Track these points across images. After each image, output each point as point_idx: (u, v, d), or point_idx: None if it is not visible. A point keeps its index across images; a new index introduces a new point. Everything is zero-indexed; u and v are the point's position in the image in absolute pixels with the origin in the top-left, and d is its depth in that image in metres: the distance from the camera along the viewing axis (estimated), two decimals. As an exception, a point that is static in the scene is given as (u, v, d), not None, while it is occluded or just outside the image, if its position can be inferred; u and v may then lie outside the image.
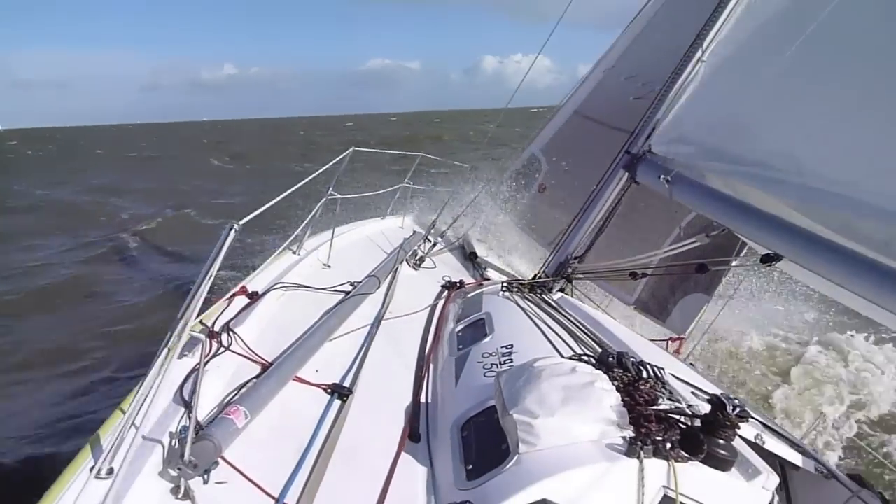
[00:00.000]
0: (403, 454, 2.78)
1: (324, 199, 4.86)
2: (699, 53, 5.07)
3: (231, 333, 3.23)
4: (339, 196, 4.90)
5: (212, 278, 2.27)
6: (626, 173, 5.06)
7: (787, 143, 4.05)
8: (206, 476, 2.25)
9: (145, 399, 2.19)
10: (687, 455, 2.23)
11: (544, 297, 4.61)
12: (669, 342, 5.67)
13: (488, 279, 5.48)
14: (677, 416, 2.40)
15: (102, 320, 10.51)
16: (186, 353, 2.89)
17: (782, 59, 4.11)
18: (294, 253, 4.82)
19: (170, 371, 2.33)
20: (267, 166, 39.10)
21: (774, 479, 2.35)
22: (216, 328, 3.24)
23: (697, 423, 2.35)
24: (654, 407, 2.45)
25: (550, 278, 5.10)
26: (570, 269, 5.18)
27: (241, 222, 2.50)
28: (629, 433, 2.29)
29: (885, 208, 3.40)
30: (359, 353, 3.62)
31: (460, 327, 4.03)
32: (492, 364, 3.27)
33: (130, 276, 13.82)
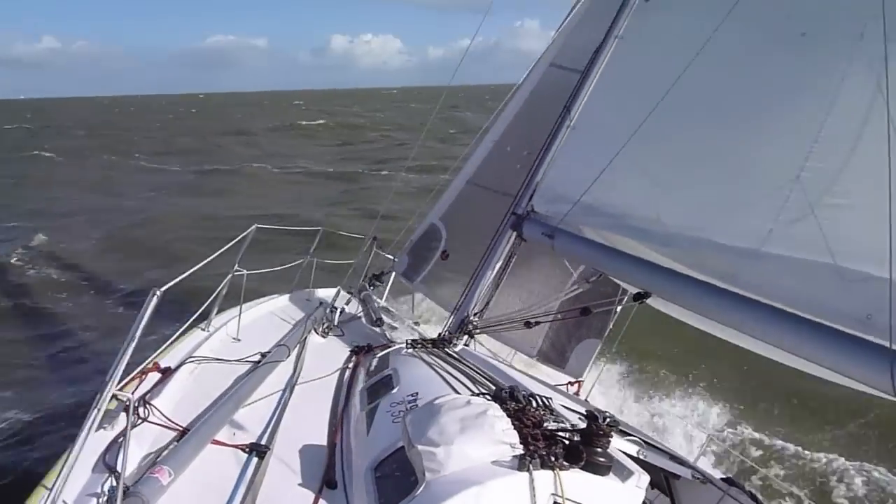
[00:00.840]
0: (322, 501, 2.93)
1: (230, 276, 4.99)
2: (568, 121, 5.69)
3: (148, 406, 3.30)
4: (245, 272, 5.04)
5: (135, 343, 2.41)
6: (514, 232, 5.51)
7: (647, 196, 4.63)
8: None
9: (70, 467, 2.27)
10: (569, 464, 2.53)
11: (447, 350, 4.88)
12: (569, 386, 6.06)
13: (394, 342, 5.70)
14: (560, 434, 2.73)
15: None
16: (105, 425, 2.96)
17: (636, 122, 4.71)
18: (202, 329, 4.90)
19: (88, 443, 2.43)
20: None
21: (646, 478, 2.68)
22: (133, 402, 3.31)
23: (577, 437, 2.68)
24: (541, 428, 2.77)
25: (452, 335, 5.39)
26: (470, 325, 5.50)
27: (163, 289, 2.67)
28: (520, 451, 2.58)
29: (728, 245, 3.97)
30: (273, 414, 3.74)
31: (370, 384, 4.22)
32: (399, 411, 3.48)
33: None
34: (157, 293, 2.54)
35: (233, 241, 4.84)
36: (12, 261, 17.48)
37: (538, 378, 4.78)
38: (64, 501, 2.28)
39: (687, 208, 4.48)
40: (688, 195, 4.53)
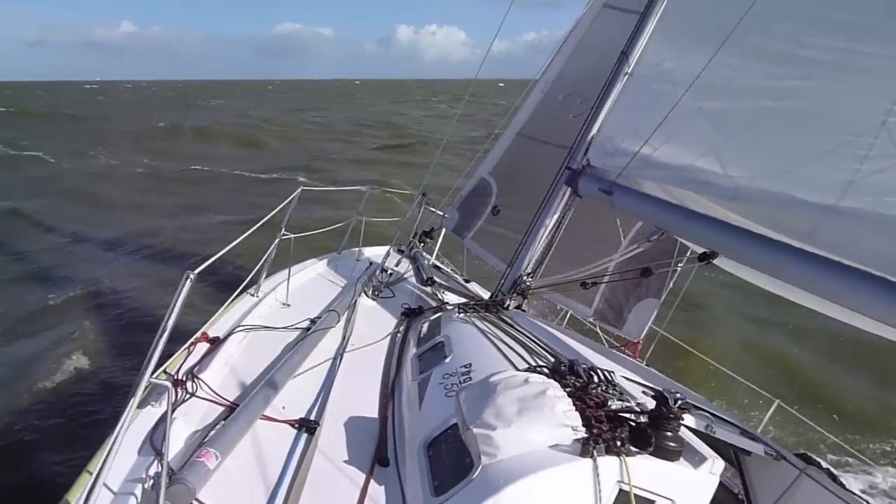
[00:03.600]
0: (373, 480, 2.85)
1: (277, 240, 4.92)
2: (626, 68, 5.33)
3: (196, 379, 3.27)
4: (291, 235, 4.96)
5: (170, 329, 2.33)
6: (569, 188, 5.24)
7: (710, 147, 4.29)
8: None
9: (115, 452, 2.23)
10: (636, 449, 2.36)
11: (500, 315, 4.73)
12: (626, 348, 5.86)
13: (446, 303, 5.58)
14: (626, 415, 2.54)
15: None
16: (153, 402, 2.93)
17: (698, 67, 4.36)
18: (252, 295, 4.86)
19: (136, 422, 2.37)
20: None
21: (720, 464, 2.49)
22: (180, 375, 3.28)
23: (644, 419, 2.49)
24: (605, 408, 2.59)
25: (506, 296, 5.23)
26: (523, 286, 5.32)
27: (197, 271, 2.57)
28: (582, 435, 2.42)
29: (805, 200, 3.64)
30: (323, 386, 3.68)
31: (421, 352, 4.12)
32: (452, 384, 3.36)
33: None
34: (192, 276, 2.45)
35: (278, 207, 4.75)
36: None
37: (595, 343, 4.59)
38: (106, 485, 2.25)
39: (756, 159, 4.13)
40: (757, 144, 4.18)
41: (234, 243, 3.51)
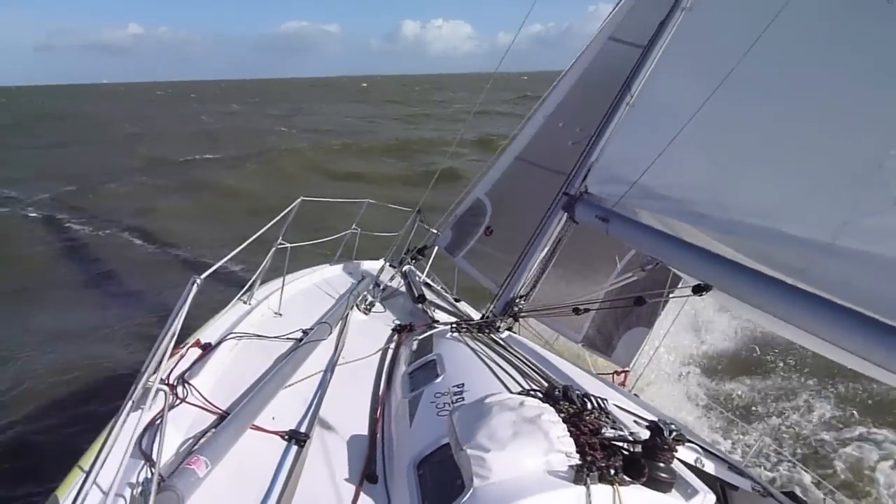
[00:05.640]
0: (362, 497, 2.83)
1: (273, 249, 4.92)
2: (627, 98, 5.40)
3: (186, 385, 3.25)
4: (288, 245, 4.96)
5: (176, 333, 2.33)
6: (566, 213, 5.28)
7: (709, 180, 4.35)
8: None
9: (105, 454, 2.21)
10: (630, 479, 2.36)
11: (492, 336, 4.74)
12: (615, 375, 5.87)
13: (437, 321, 5.58)
14: (620, 444, 2.55)
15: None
16: (143, 406, 2.90)
17: (700, 102, 4.42)
18: (245, 303, 4.85)
19: (127, 424, 2.35)
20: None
21: (711, 498, 2.50)
22: (171, 380, 3.26)
23: (639, 448, 2.50)
24: (599, 436, 2.60)
25: (498, 318, 5.24)
26: (516, 308, 5.33)
27: (203, 276, 2.57)
28: (576, 461, 2.42)
29: (798, 237, 3.69)
30: (314, 398, 3.66)
31: (412, 369, 4.11)
32: (444, 403, 3.36)
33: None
34: (198, 281, 2.45)
35: (278, 217, 4.75)
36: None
37: (586, 370, 4.60)
38: (97, 485, 2.22)
39: (753, 194, 4.18)
40: (754, 181, 4.23)
41: (238, 250, 3.51)
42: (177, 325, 2.34)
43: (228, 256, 3.30)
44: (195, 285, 2.43)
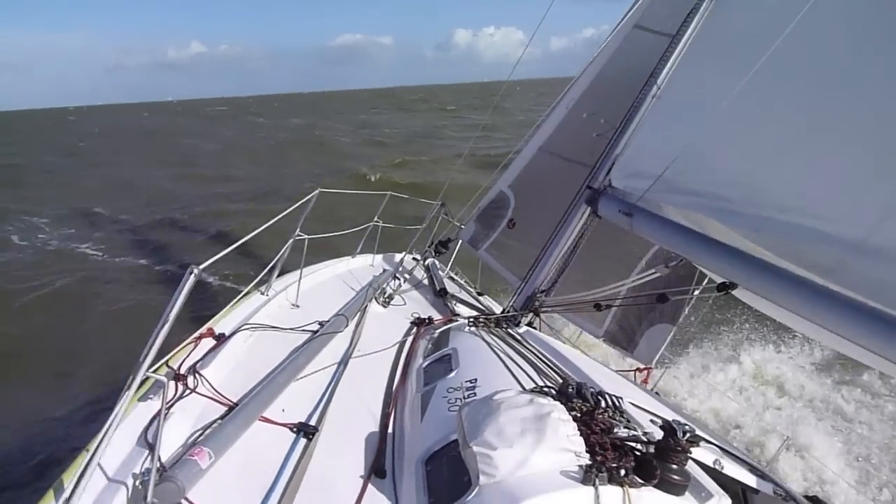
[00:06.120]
0: (369, 491, 2.79)
1: (291, 240, 4.89)
2: (654, 90, 5.27)
3: (197, 375, 3.24)
4: (306, 236, 4.93)
5: (171, 322, 2.31)
6: (589, 208, 5.18)
7: (737, 174, 4.21)
8: None
9: (107, 442, 2.20)
10: (641, 481, 2.28)
11: (510, 331, 4.66)
12: (637, 372, 5.76)
13: (458, 315, 5.52)
14: (632, 444, 2.46)
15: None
16: (152, 395, 2.90)
17: (730, 93, 4.28)
18: (262, 293, 4.84)
19: (136, 414, 2.33)
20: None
21: (726, 502, 2.40)
22: (182, 370, 3.25)
23: (651, 449, 2.41)
24: (611, 435, 2.51)
25: (518, 312, 5.17)
26: (537, 303, 5.25)
27: (202, 266, 2.54)
28: (586, 461, 2.34)
29: (830, 235, 3.54)
30: (326, 391, 3.63)
31: (427, 363, 4.06)
32: (456, 399, 3.30)
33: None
34: (196, 271, 2.42)
35: (294, 206, 4.72)
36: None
37: (606, 367, 4.50)
38: (100, 466, 2.22)
39: (783, 190, 4.03)
40: (785, 175, 4.08)
41: (243, 241, 3.48)
42: (173, 314, 2.32)
43: (232, 247, 3.27)
44: (193, 275, 2.40)
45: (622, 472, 2.27)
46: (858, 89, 3.76)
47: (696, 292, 5.00)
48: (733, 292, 4.12)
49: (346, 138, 48.44)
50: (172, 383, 3.03)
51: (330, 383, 3.74)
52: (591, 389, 2.89)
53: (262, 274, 4.80)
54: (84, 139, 61.19)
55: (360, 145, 43.51)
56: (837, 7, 3.87)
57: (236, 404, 3.11)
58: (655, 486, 2.28)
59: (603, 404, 2.79)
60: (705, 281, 4.93)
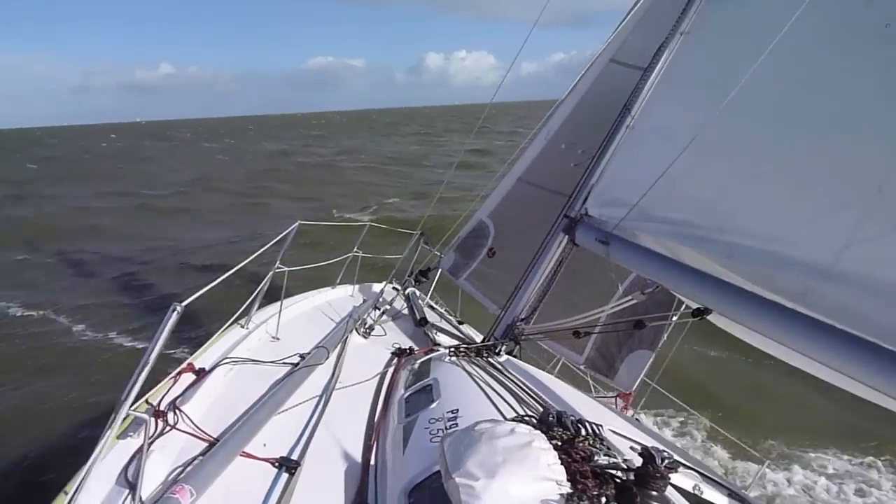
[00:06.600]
0: None
1: (271, 273, 4.90)
2: (628, 121, 5.41)
3: (178, 411, 3.22)
4: (286, 269, 4.94)
5: (153, 361, 2.31)
6: (566, 236, 5.26)
7: (709, 203, 4.32)
8: None
9: (87, 482, 2.19)
10: None
11: (490, 360, 4.69)
12: (617, 398, 5.81)
13: (438, 345, 5.54)
14: (612, 471, 2.50)
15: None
16: (131, 433, 2.88)
17: (700, 125, 4.41)
18: (242, 327, 4.83)
19: (115, 452, 2.32)
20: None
21: None
22: (162, 406, 3.23)
23: (631, 476, 2.45)
24: (591, 463, 2.55)
25: (499, 341, 5.20)
26: (517, 331, 5.30)
27: (184, 303, 2.55)
28: (567, 490, 2.37)
29: (798, 260, 3.65)
30: (307, 424, 3.62)
31: (408, 394, 4.07)
32: (438, 429, 3.31)
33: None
34: (178, 308, 2.43)
35: (274, 240, 4.74)
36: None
37: (586, 395, 4.54)
38: None
39: (753, 218, 4.15)
40: (754, 204, 4.21)
41: (225, 276, 3.49)
42: (156, 351, 2.33)
43: (215, 282, 3.28)
44: (175, 312, 2.41)
45: (603, 499, 2.31)
46: (821, 123, 3.92)
47: (674, 318, 5.08)
48: (709, 318, 4.21)
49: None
50: (153, 420, 3.01)
51: (311, 416, 3.73)
52: (572, 417, 2.93)
53: (243, 307, 4.80)
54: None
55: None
56: (800, 48, 4.03)
57: (217, 440, 3.10)
58: None
59: (583, 432, 2.83)
60: (682, 307, 5.02)
